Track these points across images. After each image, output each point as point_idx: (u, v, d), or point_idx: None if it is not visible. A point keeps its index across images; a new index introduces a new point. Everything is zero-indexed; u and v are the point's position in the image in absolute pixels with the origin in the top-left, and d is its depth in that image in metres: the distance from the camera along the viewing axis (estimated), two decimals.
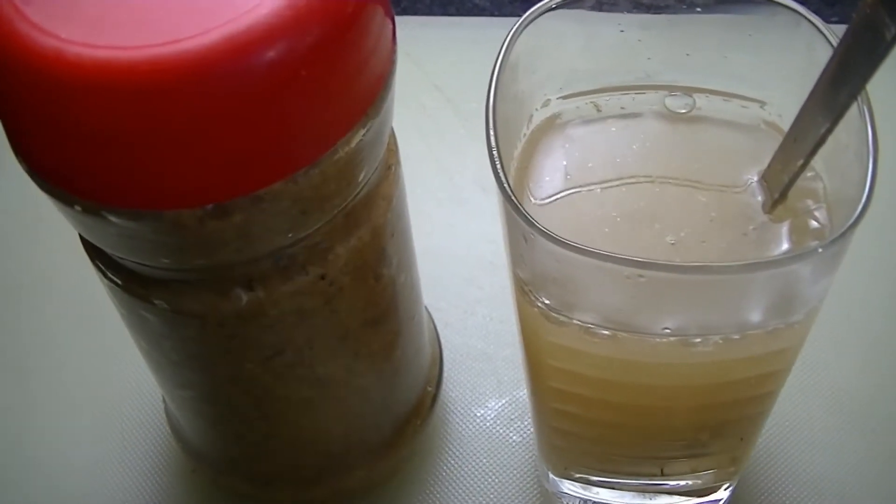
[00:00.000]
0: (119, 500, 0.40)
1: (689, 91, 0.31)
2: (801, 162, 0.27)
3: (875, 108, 0.27)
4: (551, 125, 0.31)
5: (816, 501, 0.39)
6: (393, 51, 0.27)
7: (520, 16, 0.29)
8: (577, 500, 0.38)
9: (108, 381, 0.44)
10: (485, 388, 0.43)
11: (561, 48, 0.30)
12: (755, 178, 0.29)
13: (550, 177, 0.30)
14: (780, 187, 0.28)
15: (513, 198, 0.25)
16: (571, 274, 0.26)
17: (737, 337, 0.27)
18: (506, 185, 0.25)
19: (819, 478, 0.39)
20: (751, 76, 0.31)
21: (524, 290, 0.28)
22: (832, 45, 0.27)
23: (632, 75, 0.31)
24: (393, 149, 0.31)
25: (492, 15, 0.60)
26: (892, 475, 0.39)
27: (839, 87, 0.25)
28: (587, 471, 0.36)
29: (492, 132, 0.26)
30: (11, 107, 0.25)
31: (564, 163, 0.30)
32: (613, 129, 0.31)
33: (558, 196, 0.29)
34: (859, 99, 0.26)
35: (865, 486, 0.39)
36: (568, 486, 0.37)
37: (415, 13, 0.60)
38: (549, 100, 0.31)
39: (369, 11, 0.25)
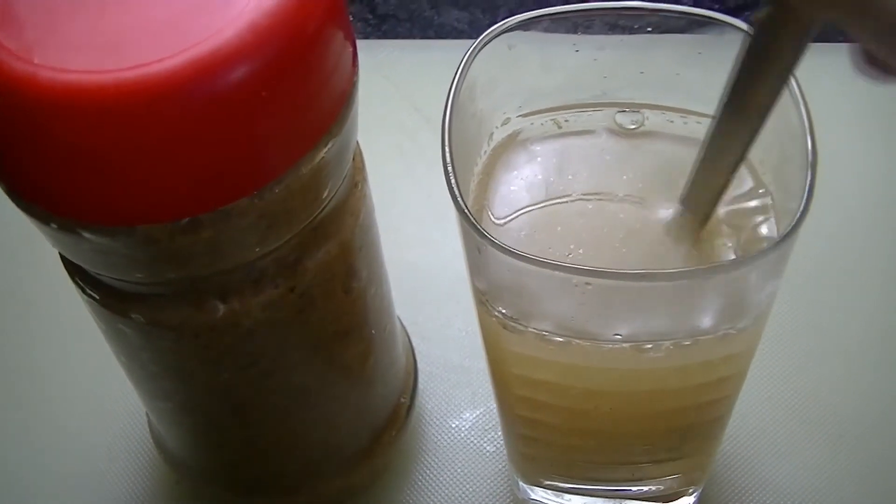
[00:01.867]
0: None
1: (643, 108, 0.32)
2: (721, 181, 0.28)
3: (820, 120, 0.28)
4: (511, 142, 0.32)
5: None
6: (354, 71, 0.29)
7: None
8: None
9: (92, 395, 0.45)
10: (460, 400, 0.44)
11: (518, 68, 0.31)
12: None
13: (508, 193, 0.31)
14: (703, 209, 0.29)
15: (465, 210, 0.26)
16: (524, 283, 0.27)
17: (687, 343, 0.28)
18: (459, 199, 0.26)
19: (783, 484, 0.40)
20: (703, 92, 0.32)
21: (482, 300, 0.29)
22: None
23: (588, 93, 0.32)
24: (360, 166, 0.33)
25: (470, 37, 0.61)
26: (857, 480, 0.40)
27: (749, 95, 0.26)
28: (555, 477, 0.37)
29: (447, 150, 0.28)
30: None
31: (521, 179, 0.31)
32: (569, 145, 0.32)
33: (515, 213, 0.31)
34: (802, 110, 0.28)
35: (830, 491, 0.40)
36: (539, 494, 0.38)
37: (395, 36, 0.62)
38: (508, 118, 0.32)
39: (329, 34, 0.26)
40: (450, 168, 0.27)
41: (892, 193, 0.50)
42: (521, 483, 0.39)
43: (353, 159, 0.32)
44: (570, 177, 0.31)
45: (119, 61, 0.24)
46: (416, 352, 0.43)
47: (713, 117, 0.27)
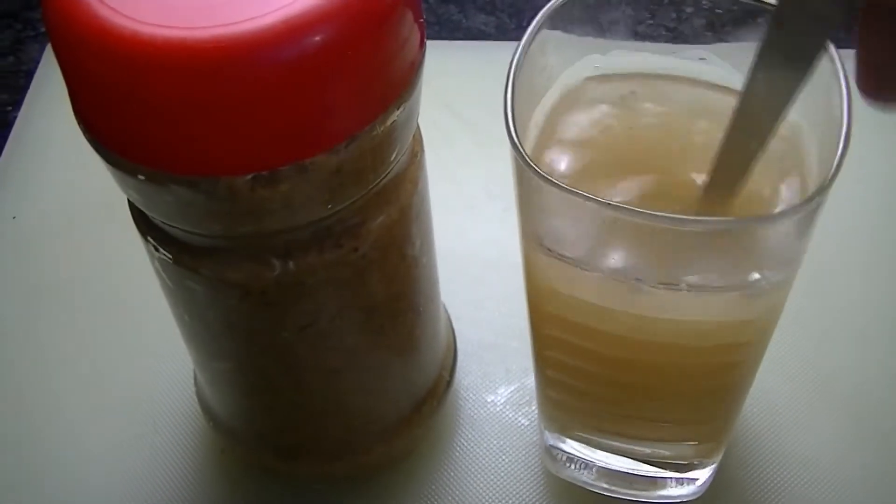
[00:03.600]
0: (150, 483, 0.43)
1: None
2: (755, 151, 0.28)
3: None
4: (580, 101, 0.34)
5: (802, 481, 0.42)
6: (423, 43, 0.31)
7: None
8: (573, 465, 0.40)
9: (140, 370, 0.47)
10: (495, 376, 0.46)
11: (598, 28, 0.33)
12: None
13: (564, 149, 0.33)
14: (731, 184, 0.29)
15: (516, 140, 0.28)
16: (562, 215, 0.29)
17: (711, 295, 0.30)
18: (513, 131, 0.28)
19: (804, 458, 0.42)
20: None
21: (527, 232, 0.31)
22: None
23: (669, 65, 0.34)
24: (418, 138, 0.35)
25: (496, 39, 0.63)
26: (878, 454, 0.42)
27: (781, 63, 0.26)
28: (579, 426, 0.39)
29: (510, 91, 0.29)
30: (86, 86, 0.28)
31: (580, 141, 0.33)
32: (636, 115, 0.34)
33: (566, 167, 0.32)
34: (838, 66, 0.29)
35: (851, 465, 0.42)
36: (569, 445, 0.40)
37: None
38: (583, 77, 0.34)
39: (405, 5, 0.28)
40: (510, 109, 0.29)
41: None
42: (547, 433, 0.40)
43: (414, 132, 0.34)
44: (628, 147, 0.33)
45: (213, 20, 0.25)
46: (454, 333, 0.45)
47: (743, 86, 0.28)
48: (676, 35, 0.33)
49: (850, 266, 0.49)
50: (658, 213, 0.26)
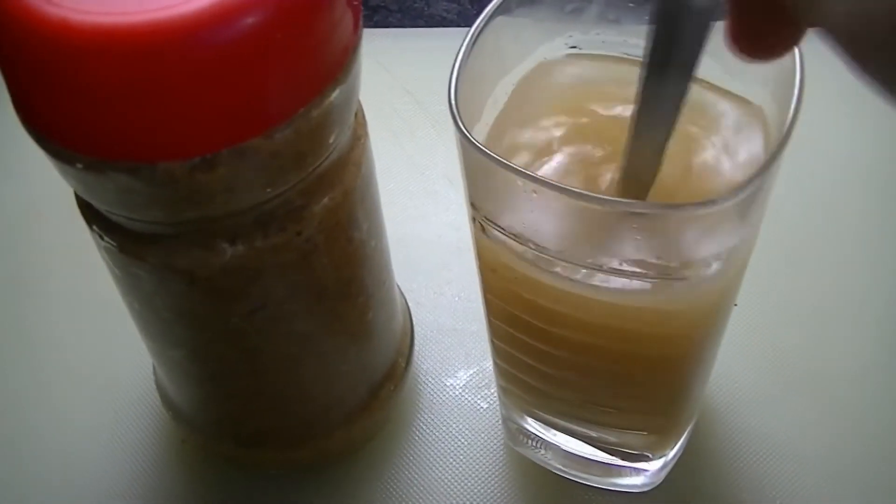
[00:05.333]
0: (112, 473, 0.43)
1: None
2: (655, 158, 0.28)
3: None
4: (546, 74, 0.34)
5: (762, 456, 0.42)
6: (358, 26, 0.31)
7: None
8: (531, 442, 0.41)
9: (100, 361, 0.47)
10: (454, 360, 0.46)
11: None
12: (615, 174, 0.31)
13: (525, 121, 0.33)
14: (647, 175, 0.29)
15: (456, 114, 0.28)
16: (495, 187, 0.29)
17: (632, 281, 0.30)
18: (454, 103, 0.29)
19: (765, 434, 0.42)
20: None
21: (472, 207, 0.31)
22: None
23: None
24: (361, 121, 0.35)
25: (458, 26, 0.64)
26: (834, 428, 0.43)
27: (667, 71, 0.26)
28: (531, 405, 0.39)
29: (457, 66, 0.30)
30: (21, 75, 0.28)
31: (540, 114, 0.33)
32: (598, 92, 0.34)
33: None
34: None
35: (810, 439, 0.42)
36: (529, 422, 0.40)
37: (386, 26, 0.64)
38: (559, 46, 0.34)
39: None
40: (454, 80, 0.29)
41: (874, 152, 0.53)
42: (507, 410, 0.41)
43: (356, 115, 0.34)
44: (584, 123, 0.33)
45: (144, 5, 0.26)
46: (412, 317, 0.45)
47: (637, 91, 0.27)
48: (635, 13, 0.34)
49: (806, 244, 0.49)
50: (577, 190, 0.27)
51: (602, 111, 0.34)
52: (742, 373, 0.44)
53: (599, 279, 0.30)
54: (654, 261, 0.29)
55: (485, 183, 0.30)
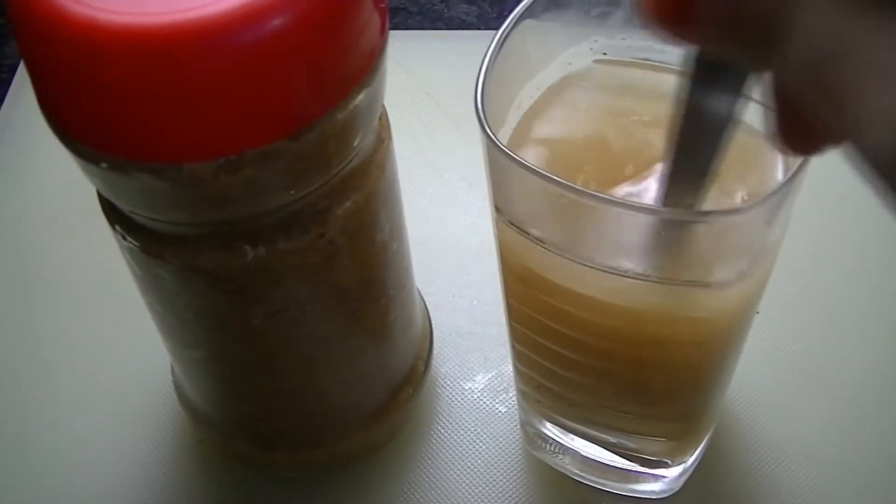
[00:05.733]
0: (130, 472, 0.43)
1: None
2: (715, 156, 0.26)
3: None
4: (571, 84, 0.34)
5: (782, 462, 0.42)
6: (385, 29, 0.31)
7: None
8: (549, 447, 0.41)
9: (119, 361, 0.47)
10: (473, 364, 0.46)
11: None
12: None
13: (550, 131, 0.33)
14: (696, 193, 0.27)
15: (479, 103, 0.28)
16: (527, 196, 0.29)
17: (663, 287, 0.29)
18: (481, 110, 0.28)
19: (783, 439, 0.42)
20: None
21: (497, 210, 0.31)
22: None
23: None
24: (385, 124, 0.35)
25: (478, 29, 0.63)
26: (854, 433, 0.42)
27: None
28: (552, 410, 0.39)
29: (485, 68, 0.29)
30: (47, 74, 0.28)
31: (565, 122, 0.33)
32: (623, 101, 0.34)
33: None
34: None
35: (828, 445, 0.42)
36: (548, 427, 0.40)
37: (406, 28, 0.64)
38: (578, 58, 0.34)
39: None
40: (481, 87, 0.29)
41: None
42: (526, 414, 0.41)
43: (380, 118, 0.34)
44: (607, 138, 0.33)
45: (171, 6, 0.26)
46: (431, 320, 0.45)
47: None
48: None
49: (824, 253, 0.49)
50: (617, 199, 0.27)
51: (628, 120, 0.34)
52: (760, 379, 0.44)
53: (626, 285, 0.29)
54: (684, 268, 0.29)
55: (511, 188, 0.30)
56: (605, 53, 0.34)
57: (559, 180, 0.27)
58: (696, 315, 0.31)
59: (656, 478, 0.40)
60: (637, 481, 0.40)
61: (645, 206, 0.28)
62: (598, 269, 0.29)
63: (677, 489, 0.41)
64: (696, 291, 0.30)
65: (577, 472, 0.41)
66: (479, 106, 0.29)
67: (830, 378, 0.44)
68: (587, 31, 0.34)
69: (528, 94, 0.34)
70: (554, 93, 0.34)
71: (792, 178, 0.27)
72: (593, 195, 0.27)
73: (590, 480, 0.41)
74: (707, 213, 0.28)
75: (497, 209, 0.31)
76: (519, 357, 0.38)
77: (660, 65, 0.34)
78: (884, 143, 0.16)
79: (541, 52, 0.34)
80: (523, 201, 0.30)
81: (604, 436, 0.39)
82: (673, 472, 0.40)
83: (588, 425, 0.38)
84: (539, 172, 0.27)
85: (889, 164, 0.16)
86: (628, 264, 0.29)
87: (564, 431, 0.40)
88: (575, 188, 0.27)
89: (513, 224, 0.30)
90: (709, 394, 0.36)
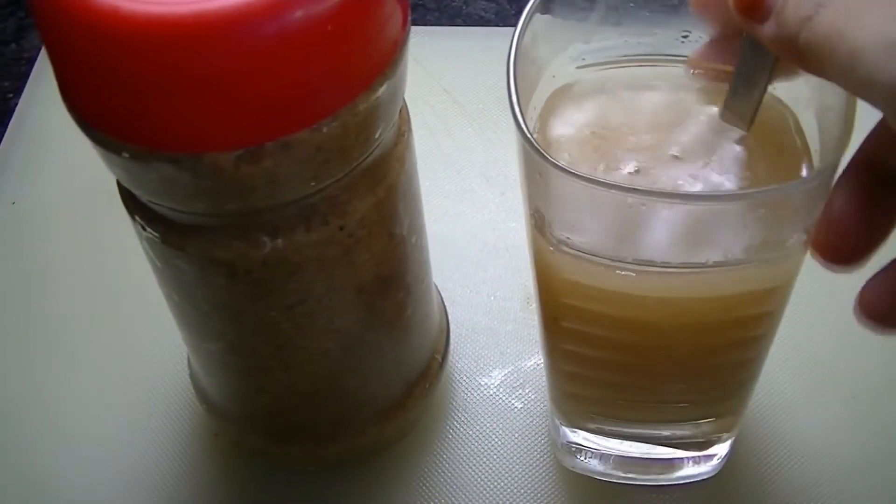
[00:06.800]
0: (145, 463, 0.43)
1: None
2: (762, 88, 0.29)
3: None
4: (568, 92, 0.34)
5: (803, 461, 0.42)
6: (407, 21, 0.31)
7: None
8: (584, 454, 0.40)
9: (135, 354, 0.47)
10: (489, 359, 0.46)
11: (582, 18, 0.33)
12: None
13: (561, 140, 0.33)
14: (746, 118, 0.30)
15: (526, 131, 0.28)
16: (579, 205, 0.29)
17: (727, 269, 0.30)
18: (521, 122, 0.28)
19: (804, 438, 0.42)
20: None
21: (538, 225, 0.31)
22: None
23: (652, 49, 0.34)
24: (405, 118, 0.35)
25: (496, 25, 0.63)
26: (868, 435, 0.42)
27: None
28: (595, 418, 0.39)
29: (512, 82, 0.29)
30: (69, 63, 0.28)
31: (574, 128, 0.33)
32: (623, 99, 0.34)
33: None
34: None
35: (843, 446, 0.42)
36: (581, 436, 0.40)
37: (424, 24, 0.64)
38: (568, 67, 0.34)
39: None
40: (514, 96, 0.29)
41: None
42: (561, 427, 0.40)
43: (400, 111, 0.34)
44: (623, 135, 0.33)
45: None
46: (448, 315, 0.45)
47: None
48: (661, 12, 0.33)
49: None
50: (689, 193, 0.27)
51: (627, 118, 0.34)
52: (780, 376, 0.44)
53: (695, 277, 0.29)
54: (743, 246, 0.29)
55: (573, 210, 0.30)
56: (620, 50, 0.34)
57: (640, 189, 0.27)
58: (764, 287, 0.31)
59: (705, 458, 0.40)
60: (683, 467, 0.40)
61: (734, 193, 0.28)
62: (673, 269, 0.30)
63: (720, 468, 0.41)
64: (758, 266, 0.30)
65: (620, 473, 0.41)
66: (520, 118, 0.28)
67: (850, 376, 0.44)
68: (591, 27, 0.34)
69: (540, 95, 0.34)
70: (563, 91, 0.34)
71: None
72: (662, 192, 0.27)
73: (633, 479, 0.41)
74: (779, 187, 0.28)
75: (542, 230, 0.31)
76: (560, 373, 0.37)
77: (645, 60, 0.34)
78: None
79: (549, 48, 0.34)
80: (582, 218, 0.30)
81: (651, 431, 0.39)
82: (722, 449, 0.40)
83: (634, 425, 0.38)
84: (610, 184, 0.27)
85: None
86: (714, 256, 0.29)
87: (604, 437, 0.39)
88: (663, 192, 0.27)
89: (561, 242, 0.30)
90: (760, 365, 0.36)
